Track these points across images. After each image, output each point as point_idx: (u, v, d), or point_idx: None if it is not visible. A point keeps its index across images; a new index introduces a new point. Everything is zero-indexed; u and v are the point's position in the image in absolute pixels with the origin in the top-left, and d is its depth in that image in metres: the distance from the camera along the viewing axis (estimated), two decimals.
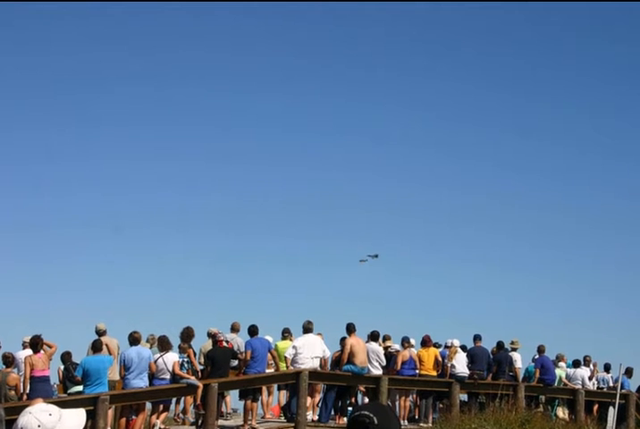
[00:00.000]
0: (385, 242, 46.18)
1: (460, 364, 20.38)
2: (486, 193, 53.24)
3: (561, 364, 22.80)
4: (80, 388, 16.77)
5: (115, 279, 47.92)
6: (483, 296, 48.61)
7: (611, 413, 21.74)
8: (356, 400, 20.14)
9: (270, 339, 19.03)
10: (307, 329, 18.41)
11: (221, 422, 18.34)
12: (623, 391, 22.16)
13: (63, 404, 12.09)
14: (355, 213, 52.79)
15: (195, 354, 18.11)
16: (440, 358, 20.36)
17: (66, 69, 52.81)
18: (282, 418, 19.51)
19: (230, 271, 50.88)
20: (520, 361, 21.57)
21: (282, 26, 55.99)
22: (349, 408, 18.69)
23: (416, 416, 20.97)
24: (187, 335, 17.92)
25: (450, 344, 20.81)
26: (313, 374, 17.95)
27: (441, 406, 21.49)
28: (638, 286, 48.63)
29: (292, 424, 17.91)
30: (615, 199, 52.98)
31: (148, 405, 17.61)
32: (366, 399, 20.58)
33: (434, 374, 20.23)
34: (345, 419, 18.39)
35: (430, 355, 20.28)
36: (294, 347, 18.12)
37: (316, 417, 18.76)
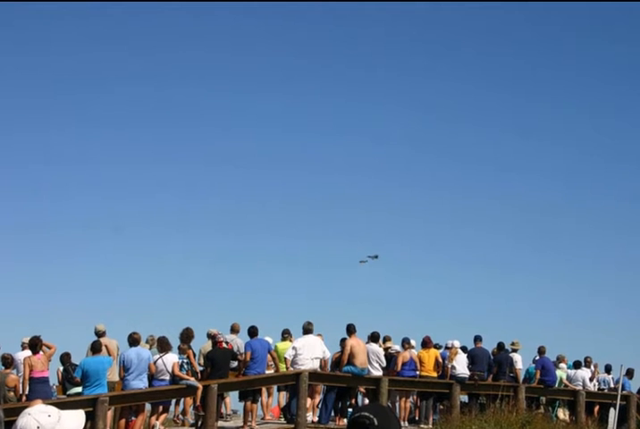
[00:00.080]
0: (385, 243, 46.13)
1: (461, 365, 20.36)
2: (486, 194, 53.26)
3: (562, 365, 22.76)
4: (79, 389, 16.72)
5: (115, 280, 47.92)
6: (483, 297, 48.63)
7: (612, 414, 21.71)
8: (356, 402, 20.09)
9: (270, 340, 18.99)
10: (307, 330, 18.37)
11: (220, 423, 18.29)
12: (624, 392, 22.14)
13: (62, 405, 12.06)
14: (355, 213, 52.81)
15: (194, 355, 18.07)
16: (440, 359, 20.33)
17: (65, 69, 52.83)
18: (282, 419, 19.47)
19: (229, 272, 50.86)
20: (521, 362, 21.55)
21: (282, 26, 56.04)
22: (350, 410, 18.64)
23: (417, 418, 20.95)
24: (186, 336, 17.88)
25: (450, 345, 20.78)
26: (313, 375, 17.91)
27: (441, 407, 21.47)
28: (639, 287, 48.64)
29: (292, 426, 17.88)
30: (615, 200, 52.98)
31: (148, 406, 17.58)
32: (367, 401, 20.54)
33: (435, 375, 20.20)
34: (345, 420, 18.35)
35: (430, 356, 20.25)
36: (294, 348, 18.08)
37: (316, 419, 18.73)
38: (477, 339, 21.10)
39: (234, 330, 19.08)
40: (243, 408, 18.60)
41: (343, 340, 19.08)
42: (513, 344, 21.82)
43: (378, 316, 36.59)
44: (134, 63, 54.71)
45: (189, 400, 18.35)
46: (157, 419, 17.25)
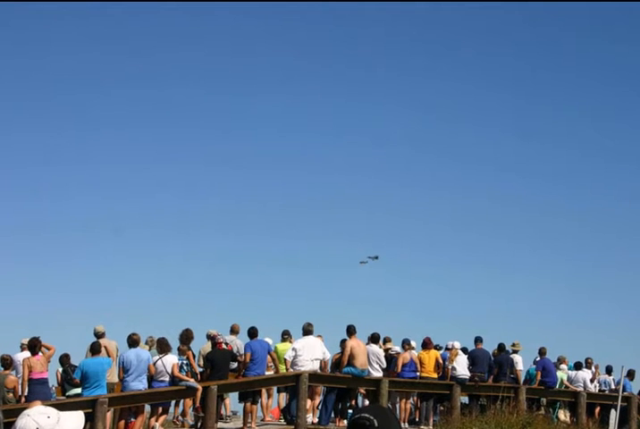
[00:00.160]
0: (386, 244, 46.01)
1: (461, 366, 20.33)
2: (487, 195, 53.15)
3: (563, 366, 22.73)
4: (78, 390, 16.69)
5: (114, 281, 47.75)
6: (484, 298, 48.56)
7: (613, 416, 21.70)
8: (356, 403, 20.06)
9: (270, 341, 18.95)
10: (307, 331, 18.33)
11: (220, 424, 18.27)
12: (625, 393, 22.13)
13: (61, 406, 12.02)
14: (355, 214, 52.71)
15: (194, 356, 18.04)
16: (441, 361, 20.30)
17: (65, 69, 52.70)
18: (282, 421, 19.45)
19: (229, 273, 50.76)
20: (521, 363, 21.52)
21: (282, 26, 55.98)
22: (350, 411, 18.62)
23: (417, 419, 20.93)
24: (186, 337, 17.84)
25: (450, 346, 20.76)
26: (313, 377, 17.87)
27: (441, 408, 21.44)
28: None
29: (292, 427, 17.85)
30: (616, 202, 52.92)
31: (147, 407, 17.56)
32: (367, 402, 20.50)
33: (435, 376, 20.17)
34: (345, 422, 18.31)
35: (431, 357, 20.22)
36: (294, 349, 18.04)
37: (316, 420, 18.70)
38: (478, 340, 21.07)
39: (234, 331, 19.04)
40: (243, 410, 18.56)
41: (343, 342, 19.04)
42: (514, 345, 21.79)
43: (378, 317, 36.58)
44: (134, 63, 54.68)
45: (189, 402, 18.30)
46: (157, 420, 17.22)
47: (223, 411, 19.69)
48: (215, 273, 49.73)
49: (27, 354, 16.85)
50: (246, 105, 55.52)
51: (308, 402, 18.42)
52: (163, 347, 17.11)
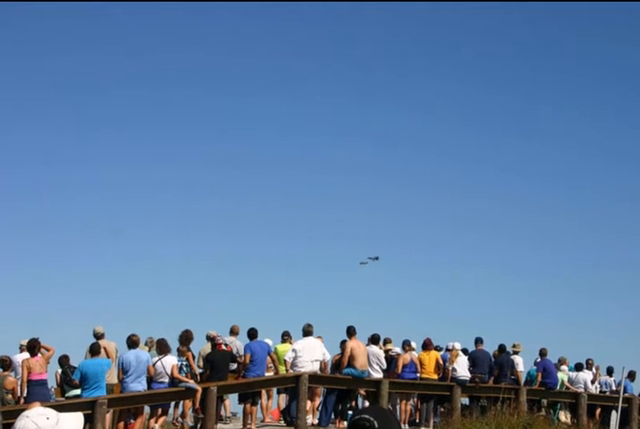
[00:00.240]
0: (386, 245, 45.89)
1: (462, 367, 20.30)
2: (487, 195, 53.08)
3: (563, 367, 22.70)
4: (77, 391, 16.65)
5: (114, 281, 47.65)
6: (484, 299, 48.45)
7: (614, 417, 21.65)
8: (356, 404, 20.01)
9: (269, 342, 18.91)
10: (307, 332, 18.30)
11: (220, 426, 18.24)
12: (626, 394, 22.10)
13: (60, 408, 11.94)
14: (355, 215, 52.58)
15: (194, 357, 17.99)
16: (441, 362, 20.27)
17: (64, 70, 52.55)
18: (282, 422, 19.43)
19: (229, 274, 50.65)
20: (522, 364, 21.50)
21: (282, 26, 55.90)
22: (350, 412, 18.57)
23: (417, 420, 20.89)
24: (186, 338, 17.79)
25: (451, 347, 20.73)
26: (313, 378, 17.83)
27: (442, 409, 21.41)
28: None
29: (292, 428, 17.80)
30: (616, 202, 52.81)
31: (147, 409, 17.52)
32: (367, 403, 20.45)
33: (435, 377, 20.14)
34: (345, 423, 18.26)
35: (431, 358, 20.18)
36: (294, 350, 18.00)
37: (316, 421, 18.67)
38: (478, 341, 21.05)
39: (234, 332, 19.01)
40: (243, 411, 18.53)
41: (343, 343, 18.99)
42: (514, 346, 21.76)
43: (378, 318, 36.50)
44: (134, 63, 54.56)
45: (189, 403, 18.24)
46: (156, 422, 17.18)
47: (222, 412, 19.63)
48: (215, 274, 49.65)
49: (26, 355, 16.80)
50: (246, 105, 55.46)
51: (308, 403, 18.38)
52: (162, 348, 17.07)
